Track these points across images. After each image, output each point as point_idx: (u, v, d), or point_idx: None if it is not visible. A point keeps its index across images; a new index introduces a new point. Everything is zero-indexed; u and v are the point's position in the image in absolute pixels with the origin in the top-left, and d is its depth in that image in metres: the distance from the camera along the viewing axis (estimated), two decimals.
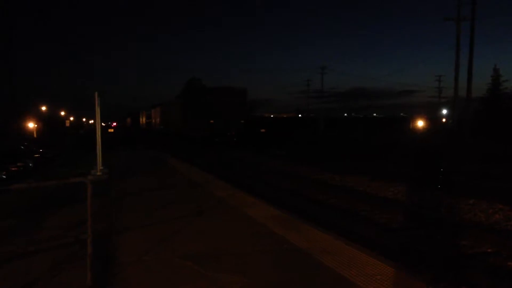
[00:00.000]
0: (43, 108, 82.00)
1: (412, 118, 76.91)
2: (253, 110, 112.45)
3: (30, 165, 19.79)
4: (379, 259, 5.99)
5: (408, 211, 11.73)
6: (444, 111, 71.55)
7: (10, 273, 5.58)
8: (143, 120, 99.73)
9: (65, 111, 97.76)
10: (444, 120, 71.16)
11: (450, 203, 12.30)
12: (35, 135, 61.24)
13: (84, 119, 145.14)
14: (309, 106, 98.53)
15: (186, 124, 49.09)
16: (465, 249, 8.42)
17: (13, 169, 17.81)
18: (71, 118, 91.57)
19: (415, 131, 64.72)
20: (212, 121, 45.50)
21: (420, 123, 68.46)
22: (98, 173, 15.11)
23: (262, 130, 69.46)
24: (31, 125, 65.05)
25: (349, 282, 5.13)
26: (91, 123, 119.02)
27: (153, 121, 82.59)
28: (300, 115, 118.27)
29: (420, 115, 73.13)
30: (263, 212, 9.15)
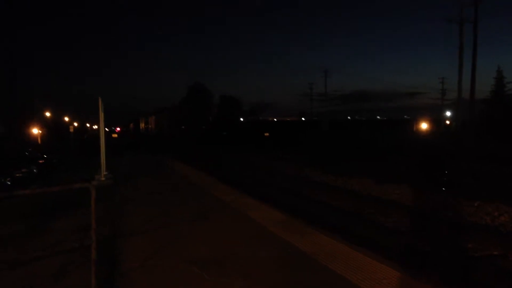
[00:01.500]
0: (47, 114, 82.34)
1: (416, 120, 76.90)
2: (256, 114, 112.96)
3: (35, 170, 19.85)
4: (385, 263, 5.95)
5: (413, 213, 11.67)
6: (448, 113, 71.41)
7: (15, 279, 5.57)
8: (142, 125, 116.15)
9: (69, 117, 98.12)
10: (448, 122, 71.00)
11: (455, 205, 12.23)
12: (39, 141, 61.46)
13: (88, 124, 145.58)
14: (312, 109, 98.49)
15: (170, 129, 72.57)
16: (471, 252, 8.37)
17: (17, 175, 17.87)
18: (75, 124, 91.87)
19: (419, 133, 64.66)
20: (183, 127, 70.19)
21: (424, 125, 68.42)
22: (102, 178, 15.15)
23: (266, 134, 69.57)
24: (35, 131, 65.31)
25: (355, 286, 5.10)
26: (95, 128, 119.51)
27: (150, 126, 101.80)
28: (303, 118, 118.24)
29: (423, 117, 73.12)
30: (267, 216, 9.12)
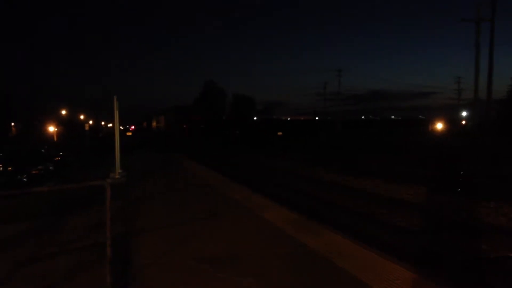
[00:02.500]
0: (63, 112, 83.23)
1: (431, 120, 76.24)
2: (269, 113, 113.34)
3: (51, 168, 20.08)
4: (397, 263, 5.92)
5: (426, 214, 11.58)
6: (464, 113, 70.66)
7: (31, 275, 5.67)
8: (154, 124, 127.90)
9: (84, 115, 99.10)
10: (463, 122, 70.23)
11: (470, 206, 12.11)
12: (55, 139, 62.22)
13: (103, 123, 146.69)
14: (326, 108, 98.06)
15: (173, 128, 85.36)
16: (486, 253, 8.28)
17: (34, 172, 18.08)
18: (90, 122, 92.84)
19: (434, 133, 64.05)
20: (185, 126, 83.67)
21: (439, 125, 67.75)
22: (117, 176, 15.31)
23: (279, 133, 69.64)
24: (51, 128, 66.19)
25: (367, 286, 5.09)
26: (110, 126, 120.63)
27: (160, 125, 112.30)
28: (317, 118, 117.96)
29: (439, 117, 72.47)
30: (278, 215, 9.14)
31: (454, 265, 7.55)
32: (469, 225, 10.34)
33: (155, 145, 51.16)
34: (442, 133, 61.86)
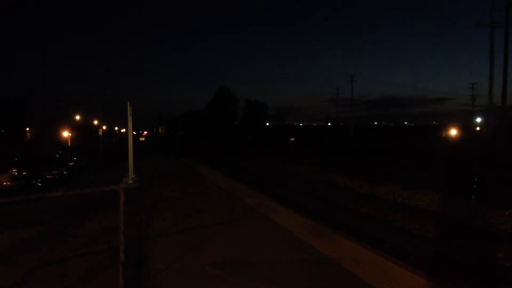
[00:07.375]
0: (77, 117, 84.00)
1: (445, 126, 75.56)
2: (281, 119, 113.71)
3: (65, 173, 20.27)
4: (411, 270, 5.86)
5: (441, 221, 11.45)
6: (478, 119, 69.92)
7: (45, 278, 5.72)
8: (160, 130, 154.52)
9: (98, 120, 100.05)
10: (478, 128, 69.47)
11: (485, 213, 11.95)
12: (69, 144, 62.82)
13: (116, 128, 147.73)
14: (338, 114, 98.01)
15: (183, 134, 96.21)
16: (501, 262, 8.16)
17: (48, 177, 18.26)
18: (104, 127, 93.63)
19: (448, 139, 63.39)
20: (196, 131, 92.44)
21: (453, 132, 67.08)
22: (130, 181, 15.41)
23: (291, 139, 69.56)
24: (65, 133, 66.87)
25: None
26: (123, 131, 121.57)
27: (164, 131, 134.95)
28: (329, 124, 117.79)
29: (452, 123, 71.77)
30: (292, 220, 9.11)
31: (468, 273, 7.44)
32: (484, 233, 10.20)
33: (167, 150, 51.48)
34: (456, 140, 61.20)
